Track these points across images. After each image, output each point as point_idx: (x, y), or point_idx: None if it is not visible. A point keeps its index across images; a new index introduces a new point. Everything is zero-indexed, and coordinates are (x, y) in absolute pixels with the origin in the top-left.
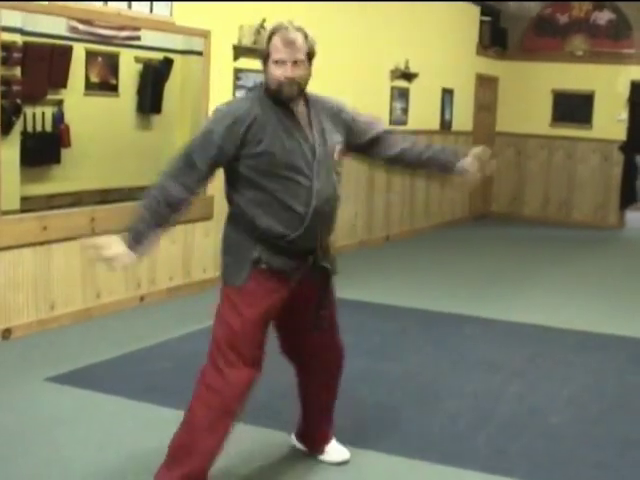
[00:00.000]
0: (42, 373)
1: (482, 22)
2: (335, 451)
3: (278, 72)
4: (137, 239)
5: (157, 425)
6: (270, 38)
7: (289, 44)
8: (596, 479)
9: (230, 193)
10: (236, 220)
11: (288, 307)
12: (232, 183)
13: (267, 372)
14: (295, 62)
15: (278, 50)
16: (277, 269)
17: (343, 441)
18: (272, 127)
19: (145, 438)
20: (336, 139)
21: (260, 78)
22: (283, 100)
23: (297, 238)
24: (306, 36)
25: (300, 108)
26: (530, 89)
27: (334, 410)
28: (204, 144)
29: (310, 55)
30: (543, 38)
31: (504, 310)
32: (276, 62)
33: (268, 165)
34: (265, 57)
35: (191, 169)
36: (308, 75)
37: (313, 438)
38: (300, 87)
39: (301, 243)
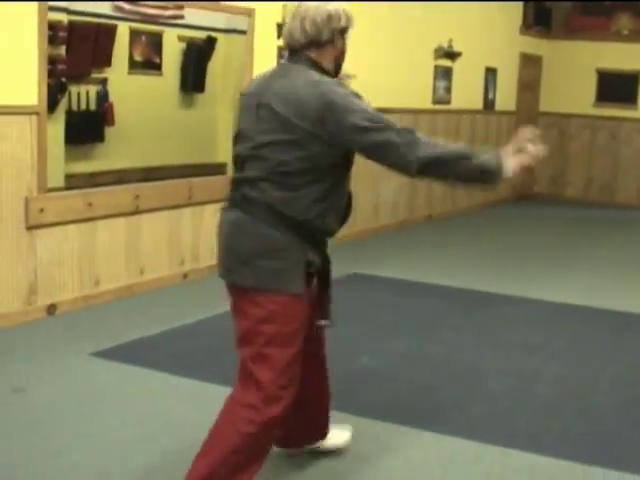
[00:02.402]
0: (86, 348)
1: (526, 1)
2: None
3: (343, 48)
4: None
5: (199, 401)
6: (349, 18)
7: (353, 24)
8: (636, 459)
9: (298, 186)
10: (281, 217)
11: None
12: (308, 174)
13: None
14: None
15: (348, 27)
16: (317, 270)
17: (385, 419)
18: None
19: (186, 413)
20: None
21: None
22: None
23: (336, 228)
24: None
25: None
26: (574, 69)
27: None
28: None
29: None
30: (588, 17)
31: (545, 290)
32: (344, 39)
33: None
34: (341, 31)
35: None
36: None
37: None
38: None
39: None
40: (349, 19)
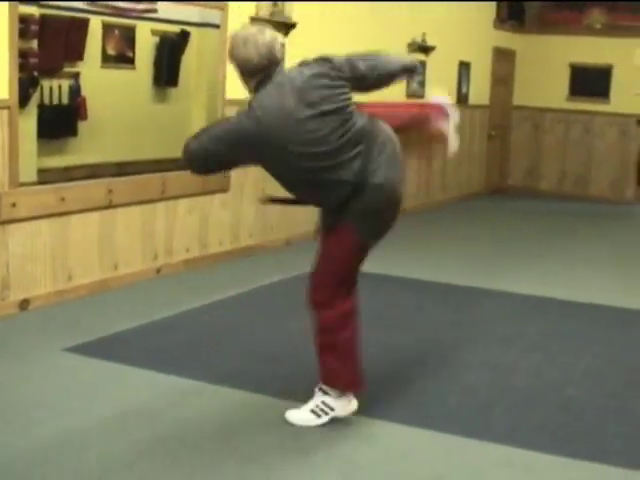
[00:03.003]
0: (60, 343)
1: None
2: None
3: None
4: None
5: (173, 395)
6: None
7: None
8: (615, 452)
9: None
10: None
11: None
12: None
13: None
14: None
15: None
16: None
17: (363, 414)
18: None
19: (161, 408)
20: None
21: None
22: None
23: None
24: None
25: None
26: (547, 63)
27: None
28: None
29: None
30: (561, 11)
31: (520, 283)
32: None
33: None
34: None
35: None
36: None
37: None
38: None
39: None
40: None
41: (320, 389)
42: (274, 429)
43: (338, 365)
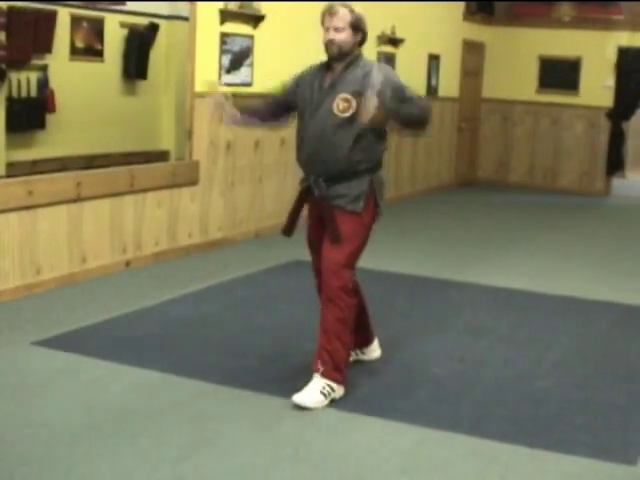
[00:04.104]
0: (28, 337)
1: None
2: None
3: (324, 36)
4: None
5: (143, 388)
6: (323, 12)
7: (331, 14)
8: (581, 442)
9: None
10: None
11: (320, 222)
12: None
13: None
14: (336, 29)
15: (323, 20)
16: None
17: (330, 405)
18: (309, 80)
19: (131, 401)
20: (344, 92)
21: (247, 42)
22: (329, 59)
23: (302, 164)
24: (352, 10)
25: (338, 68)
26: (517, 55)
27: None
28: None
29: (354, 26)
30: (530, 4)
31: (489, 275)
32: (324, 29)
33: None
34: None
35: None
36: (349, 41)
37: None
38: (340, 49)
39: (304, 169)
40: (321, 13)
41: (322, 374)
42: (244, 421)
43: (346, 355)
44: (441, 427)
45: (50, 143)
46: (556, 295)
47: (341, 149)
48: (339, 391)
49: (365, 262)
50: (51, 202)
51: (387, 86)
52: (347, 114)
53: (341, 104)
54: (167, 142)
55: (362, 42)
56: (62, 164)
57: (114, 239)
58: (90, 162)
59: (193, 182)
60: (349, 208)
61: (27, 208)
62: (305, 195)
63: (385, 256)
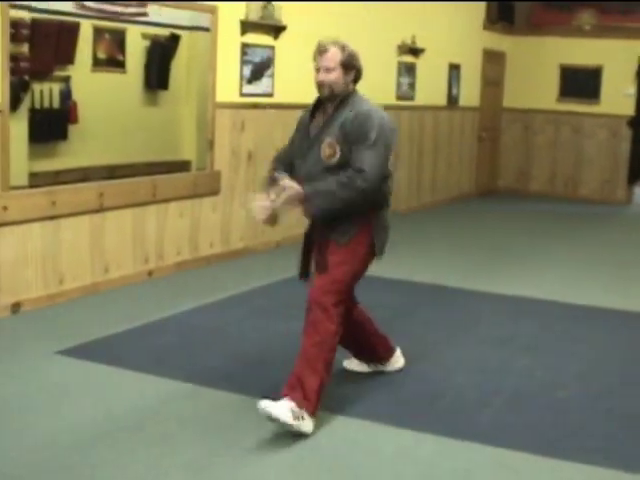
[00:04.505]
0: (51, 346)
1: None
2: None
3: (315, 77)
4: None
5: (164, 397)
6: (314, 51)
7: (320, 54)
8: (602, 452)
9: None
10: None
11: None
12: None
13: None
14: (326, 69)
15: (315, 58)
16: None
17: (351, 414)
18: (305, 122)
19: (152, 410)
20: (330, 136)
21: (268, 53)
22: (321, 100)
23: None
24: (342, 48)
25: (330, 108)
26: (537, 64)
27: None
28: None
29: (345, 65)
30: (551, 12)
31: (511, 285)
32: (315, 69)
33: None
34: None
35: None
36: (339, 82)
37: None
38: (332, 90)
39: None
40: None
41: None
42: (263, 431)
43: (317, 385)
44: (461, 437)
45: (72, 153)
46: (576, 304)
47: None
48: (308, 423)
49: (386, 271)
50: (74, 212)
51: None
52: (333, 160)
53: (327, 150)
54: (188, 152)
55: (356, 79)
56: (84, 174)
57: (136, 249)
58: (112, 172)
59: (215, 192)
60: (340, 241)
61: (50, 218)
62: (311, 236)
63: (405, 265)
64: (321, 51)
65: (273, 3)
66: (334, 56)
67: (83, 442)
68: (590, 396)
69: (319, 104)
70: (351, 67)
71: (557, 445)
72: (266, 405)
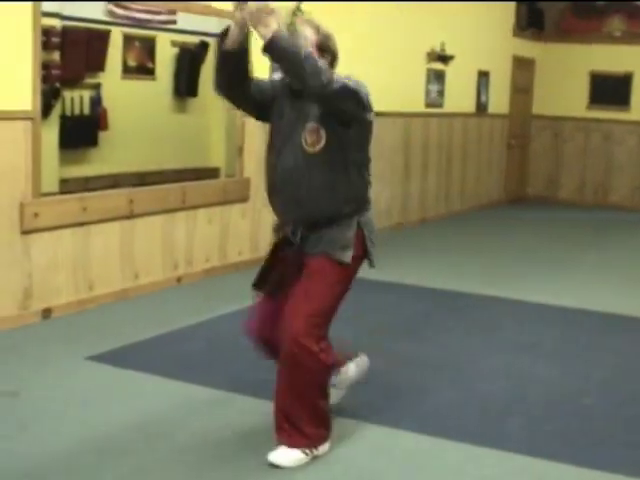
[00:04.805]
0: (81, 352)
1: (518, 3)
2: None
3: None
4: None
5: (193, 404)
6: None
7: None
8: (628, 459)
9: None
10: None
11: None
12: None
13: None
14: None
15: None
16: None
17: (377, 422)
18: (282, 100)
19: (180, 416)
20: (311, 120)
21: None
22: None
23: (275, 209)
24: (317, 29)
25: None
26: (567, 71)
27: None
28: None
29: (320, 47)
30: (581, 19)
31: (538, 292)
32: None
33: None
34: None
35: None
36: None
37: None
38: None
39: (279, 216)
40: None
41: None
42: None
43: (327, 411)
44: (488, 444)
45: (102, 160)
46: (602, 312)
47: (321, 191)
48: (324, 447)
49: (412, 278)
50: (104, 218)
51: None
52: (318, 147)
53: (309, 137)
54: (217, 159)
55: (332, 64)
56: (114, 181)
57: (166, 255)
58: (141, 179)
59: (244, 199)
60: (337, 257)
61: (81, 224)
62: (281, 246)
63: (432, 272)
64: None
65: (302, 10)
66: (309, 38)
67: (112, 448)
68: (615, 403)
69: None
70: (327, 49)
71: (584, 453)
72: (276, 460)
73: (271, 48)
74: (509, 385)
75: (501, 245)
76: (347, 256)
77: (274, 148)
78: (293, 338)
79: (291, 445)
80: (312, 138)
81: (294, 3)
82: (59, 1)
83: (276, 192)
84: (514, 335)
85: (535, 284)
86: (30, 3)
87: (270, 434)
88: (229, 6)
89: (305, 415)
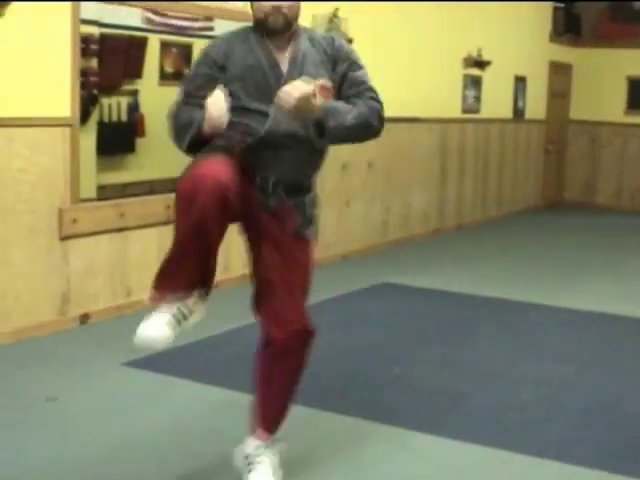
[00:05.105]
0: (119, 357)
1: (555, 8)
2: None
3: (260, 4)
4: None
5: (230, 409)
6: None
7: None
8: None
9: None
10: None
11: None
12: None
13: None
14: None
15: None
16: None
17: (417, 428)
18: (250, 56)
19: (218, 422)
20: (313, 75)
21: None
22: (267, 32)
23: (251, 160)
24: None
25: (281, 42)
26: (604, 76)
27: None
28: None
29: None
30: (618, 24)
31: (576, 299)
32: None
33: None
34: None
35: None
36: (297, 7)
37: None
38: (287, 19)
39: (246, 161)
40: None
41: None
42: (328, 444)
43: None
44: (528, 452)
45: (140, 166)
46: None
47: (308, 154)
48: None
49: (450, 285)
50: (142, 224)
51: (346, 64)
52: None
53: (323, 92)
54: None
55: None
56: (150, 187)
57: None
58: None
59: None
60: (310, 235)
61: (118, 230)
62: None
63: (470, 279)
64: None
65: (339, 17)
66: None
67: (150, 453)
68: None
69: (259, 39)
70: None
71: (626, 462)
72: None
73: (326, 139)
74: (550, 393)
75: (540, 251)
76: (314, 232)
77: (258, 114)
78: (304, 327)
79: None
80: (326, 93)
81: (330, 10)
82: (100, 1)
83: (261, 146)
84: (555, 342)
85: (576, 290)
86: (69, 8)
87: (305, 438)
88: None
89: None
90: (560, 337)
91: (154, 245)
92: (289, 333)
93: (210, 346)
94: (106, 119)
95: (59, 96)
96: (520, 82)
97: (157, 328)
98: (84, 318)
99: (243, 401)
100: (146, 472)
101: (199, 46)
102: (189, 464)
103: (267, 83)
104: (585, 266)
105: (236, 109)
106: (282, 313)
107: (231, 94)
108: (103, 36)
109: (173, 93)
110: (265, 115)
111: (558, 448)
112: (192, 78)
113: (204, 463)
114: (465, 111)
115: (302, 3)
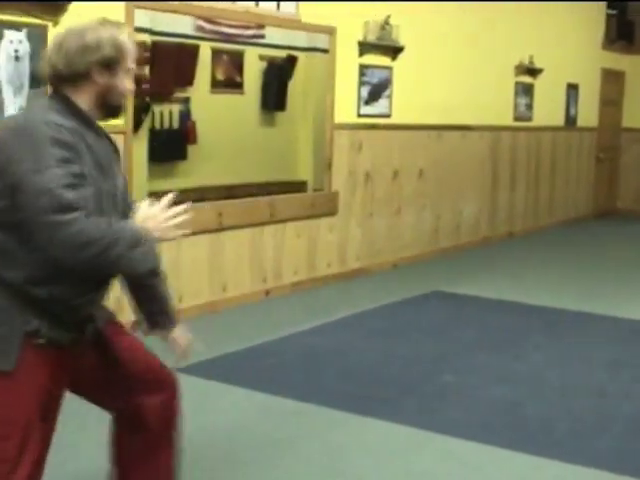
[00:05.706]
0: (169, 364)
1: (608, 15)
2: None
3: (129, 84)
4: None
5: (280, 416)
6: (116, 39)
7: (133, 47)
8: None
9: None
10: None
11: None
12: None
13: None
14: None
15: (132, 57)
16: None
17: (466, 437)
18: (99, 151)
19: (268, 428)
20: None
21: (386, 74)
22: (100, 120)
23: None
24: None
25: (98, 130)
26: None
27: None
28: None
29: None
30: None
31: (629, 308)
32: (129, 71)
33: None
34: (109, 63)
35: None
36: None
37: None
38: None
39: (84, 309)
40: (118, 49)
41: None
42: (379, 452)
43: None
44: (581, 462)
45: (191, 173)
46: None
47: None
48: None
49: (501, 293)
50: (193, 231)
51: None
52: None
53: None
54: (304, 172)
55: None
56: (203, 194)
57: (254, 268)
58: (230, 192)
59: (332, 213)
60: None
61: None
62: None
63: (521, 288)
64: (133, 45)
65: (391, 24)
66: None
67: (202, 461)
68: None
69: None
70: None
71: None
72: None
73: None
74: (602, 402)
75: (592, 260)
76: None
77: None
78: (177, 391)
79: None
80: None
81: (382, 17)
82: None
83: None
84: (607, 352)
85: (630, 300)
86: (124, 16)
87: (357, 446)
88: (316, 19)
89: None
90: (612, 346)
91: (205, 252)
92: (170, 397)
93: (261, 353)
94: (158, 126)
95: None
96: (572, 90)
97: None
98: (135, 325)
99: (292, 408)
100: (197, 478)
101: (250, 54)
102: (240, 472)
103: (103, 185)
104: (637, 276)
105: None
106: (159, 373)
107: None
108: (155, 44)
109: (224, 100)
110: None
111: (611, 459)
112: None
113: (253, 471)
114: (517, 119)
115: (353, 10)
